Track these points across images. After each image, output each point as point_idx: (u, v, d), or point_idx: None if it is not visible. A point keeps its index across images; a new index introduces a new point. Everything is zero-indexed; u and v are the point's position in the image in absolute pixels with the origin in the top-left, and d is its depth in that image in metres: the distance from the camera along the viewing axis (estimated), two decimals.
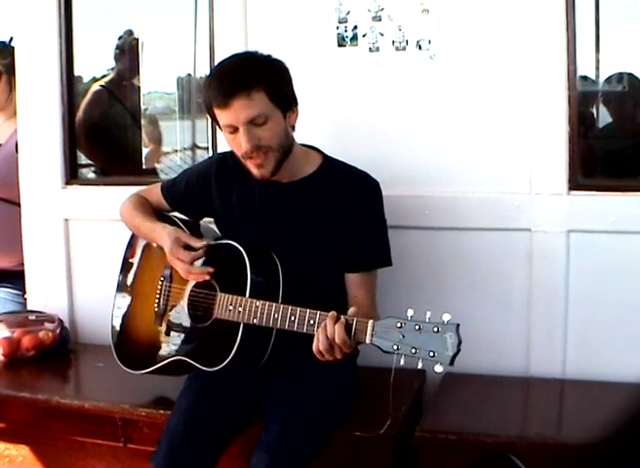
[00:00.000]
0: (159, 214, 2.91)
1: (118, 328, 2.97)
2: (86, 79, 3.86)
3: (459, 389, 2.98)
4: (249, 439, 2.58)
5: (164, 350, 2.80)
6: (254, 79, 2.49)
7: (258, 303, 2.50)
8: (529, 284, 3.06)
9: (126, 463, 2.94)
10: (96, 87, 3.86)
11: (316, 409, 2.57)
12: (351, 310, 2.37)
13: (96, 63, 3.85)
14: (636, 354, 2.92)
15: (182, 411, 2.63)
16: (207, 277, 2.65)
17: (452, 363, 2.17)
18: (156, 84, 3.86)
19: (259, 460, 2.42)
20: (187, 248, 2.68)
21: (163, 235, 2.73)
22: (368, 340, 2.27)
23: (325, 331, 2.34)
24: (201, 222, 2.92)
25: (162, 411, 2.79)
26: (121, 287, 3.00)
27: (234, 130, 2.53)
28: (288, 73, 2.61)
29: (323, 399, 2.61)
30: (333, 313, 2.35)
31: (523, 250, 3.05)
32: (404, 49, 3.08)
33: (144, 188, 3.01)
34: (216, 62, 2.99)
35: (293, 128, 2.65)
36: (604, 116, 3.33)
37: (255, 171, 2.60)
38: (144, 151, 3.87)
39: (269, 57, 2.60)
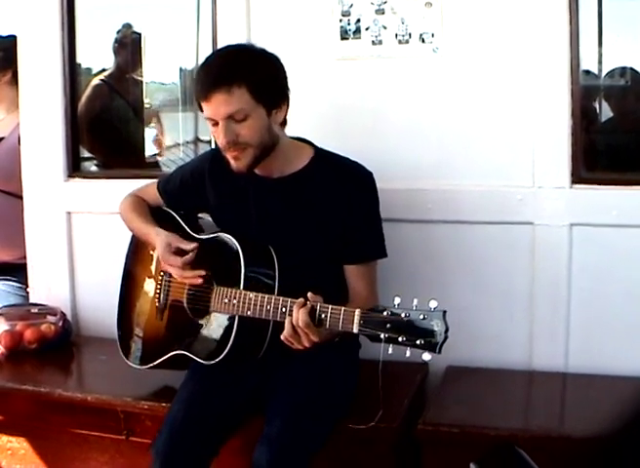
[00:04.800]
0: (157, 210, 2.92)
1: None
2: (94, 71, 3.86)
3: (461, 382, 2.99)
4: (250, 432, 2.58)
5: (165, 344, 2.80)
6: (236, 74, 2.47)
7: (251, 295, 2.50)
8: (531, 277, 3.06)
9: (128, 456, 2.93)
10: (96, 81, 3.86)
11: (317, 402, 2.57)
12: (310, 295, 2.37)
13: (103, 56, 3.84)
14: (639, 347, 2.93)
15: (183, 401, 2.64)
16: (199, 280, 2.65)
17: (439, 351, 2.17)
18: (158, 76, 3.85)
19: (261, 454, 2.42)
20: (179, 252, 2.68)
21: (156, 241, 2.74)
22: (355, 329, 2.27)
23: (290, 316, 2.37)
24: (200, 216, 2.92)
25: (164, 404, 2.77)
26: (125, 282, 3.00)
27: (215, 123, 2.53)
28: (279, 69, 2.58)
29: (324, 392, 2.61)
30: (300, 299, 2.37)
31: (525, 243, 3.05)
32: (407, 42, 3.07)
33: (140, 187, 3.01)
34: None
35: (283, 124, 2.64)
36: (606, 110, 3.33)
37: (232, 163, 2.59)
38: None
39: (261, 51, 2.58)
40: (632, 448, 2.04)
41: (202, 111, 2.58)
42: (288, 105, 2.61)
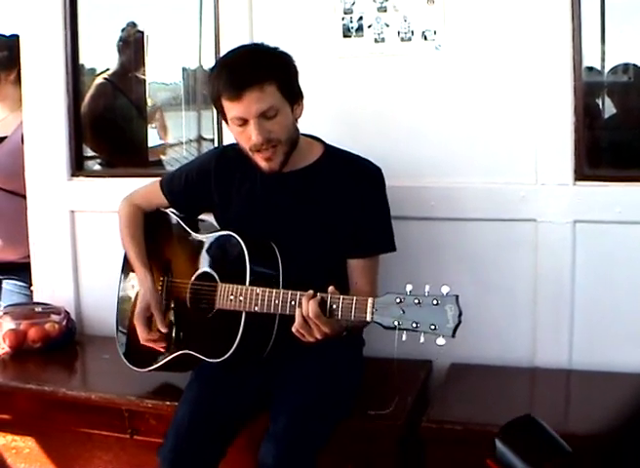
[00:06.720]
0: (157, 213, 2.92)
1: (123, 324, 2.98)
2: (98, 71, 3.86)
3: (465, 380, 2.99)
4: (256, 430, 2.59)
5: (169, 345, 2.80)
6: (267, 72, 2.49)
7: (258, 290, 2.50)
8: (534, 274, 3.05)
9: (133, 455, 2.94)
10: (99, 80, 3.85)
11: (323, 398, 2.57)
12: (330, 289, 2.37)
13: (105, 56, 3.84)
14: None
15: (189, 404, 2.63)
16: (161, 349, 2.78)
17: (453, 335, 2.17)
18: (161, 76, 3.85)
19: (267, 451, 2.42)
20: (151, 319, 2.77)
21: (140, 287, 2.82)
22: (369, 318, 2.27)
23: (300, 309, 2.37)
24: (200, 218, 2.92)
25: (168, 403, 2.79)
26: (124, 282, 3.00)
27: (243, 122, 2.53)
28: (296, 66, 2.61)
29: (329, 388, 2.61)
30: (310, 291, 2.37)
31: (529, 240, 3.05)
32: (409, 39, 3.07)
33: (141, 189, 3.00)
34: (221, 53, 2.99)
35: (297, 120, 2.66)
36: (609, 107, 3.32)
37: (263, 164, 2.59)
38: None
39: (277, 49, 2.60)
40: (636, 446, 2.03)
41: (220, 112, 2.60)
42: None
